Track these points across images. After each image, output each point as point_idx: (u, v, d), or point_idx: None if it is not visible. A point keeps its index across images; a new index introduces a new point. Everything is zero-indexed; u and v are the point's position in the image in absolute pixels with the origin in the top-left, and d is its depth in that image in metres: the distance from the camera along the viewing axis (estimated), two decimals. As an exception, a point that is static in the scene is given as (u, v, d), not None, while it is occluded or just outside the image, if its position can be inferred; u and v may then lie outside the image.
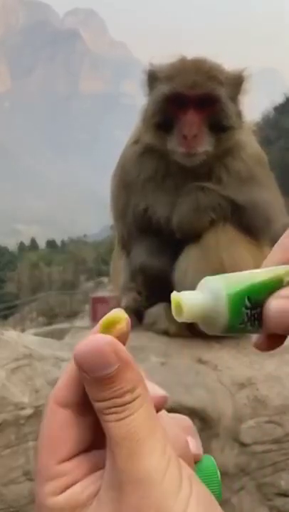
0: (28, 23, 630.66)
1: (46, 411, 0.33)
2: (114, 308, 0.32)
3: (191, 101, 1.69)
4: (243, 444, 1.64)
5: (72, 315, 19.58)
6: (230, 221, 1.77)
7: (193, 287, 0.34)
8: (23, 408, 1.52)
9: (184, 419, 0.38)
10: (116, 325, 0.32)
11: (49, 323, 20.41)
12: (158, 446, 0.31)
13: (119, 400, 0.31)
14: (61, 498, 0.32)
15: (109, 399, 0.31)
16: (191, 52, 1.86)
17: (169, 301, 0.34)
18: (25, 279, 40.02)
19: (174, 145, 1.70)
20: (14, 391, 1.53)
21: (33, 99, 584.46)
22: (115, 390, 0.31)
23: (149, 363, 1.60)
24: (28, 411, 1.53)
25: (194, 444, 0.36)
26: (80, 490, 0.32)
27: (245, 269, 0.36)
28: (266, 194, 1.83)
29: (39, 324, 20.70)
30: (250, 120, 1.93)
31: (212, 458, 0.38)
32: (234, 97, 1.75)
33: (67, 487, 0.32)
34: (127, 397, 0.31)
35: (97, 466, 0.33)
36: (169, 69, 1.75)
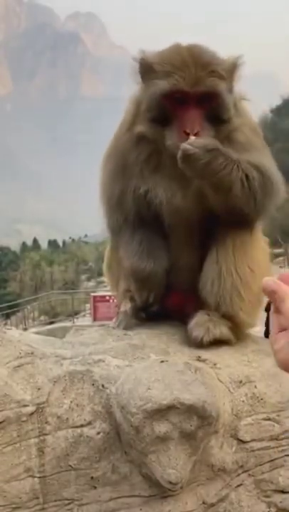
0: (29, 27, 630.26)
1: None
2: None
3: (191, 98, 1.64)
4: (241, 441, 1.65)
5: (73, 314, 19.54)
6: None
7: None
8: (25, 406, 1.54)
9: None
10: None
11: (51, 322, 20.43)
12: None
13: (281, 300, 0.78)
14: None
15: (276, 299, 0.79)
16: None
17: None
18: (28, 279, 40.06)
19: (175, 141, 1.64)
20: (16, 389, 1.55)
21: (35, 102, 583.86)
22: (277, 295, 0.79)
23: (148, 361, 1.61)
24: (30, 408, 1.54)
25: None
26: None
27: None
28: (266, 160, 1.78)
29: (41, 323, 20.70)
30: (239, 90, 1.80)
31: None
32: (231, 88, 1.72)
33: None
34: (283, 298, 0.78)
35: None
36: (167, 62, 1.67)
